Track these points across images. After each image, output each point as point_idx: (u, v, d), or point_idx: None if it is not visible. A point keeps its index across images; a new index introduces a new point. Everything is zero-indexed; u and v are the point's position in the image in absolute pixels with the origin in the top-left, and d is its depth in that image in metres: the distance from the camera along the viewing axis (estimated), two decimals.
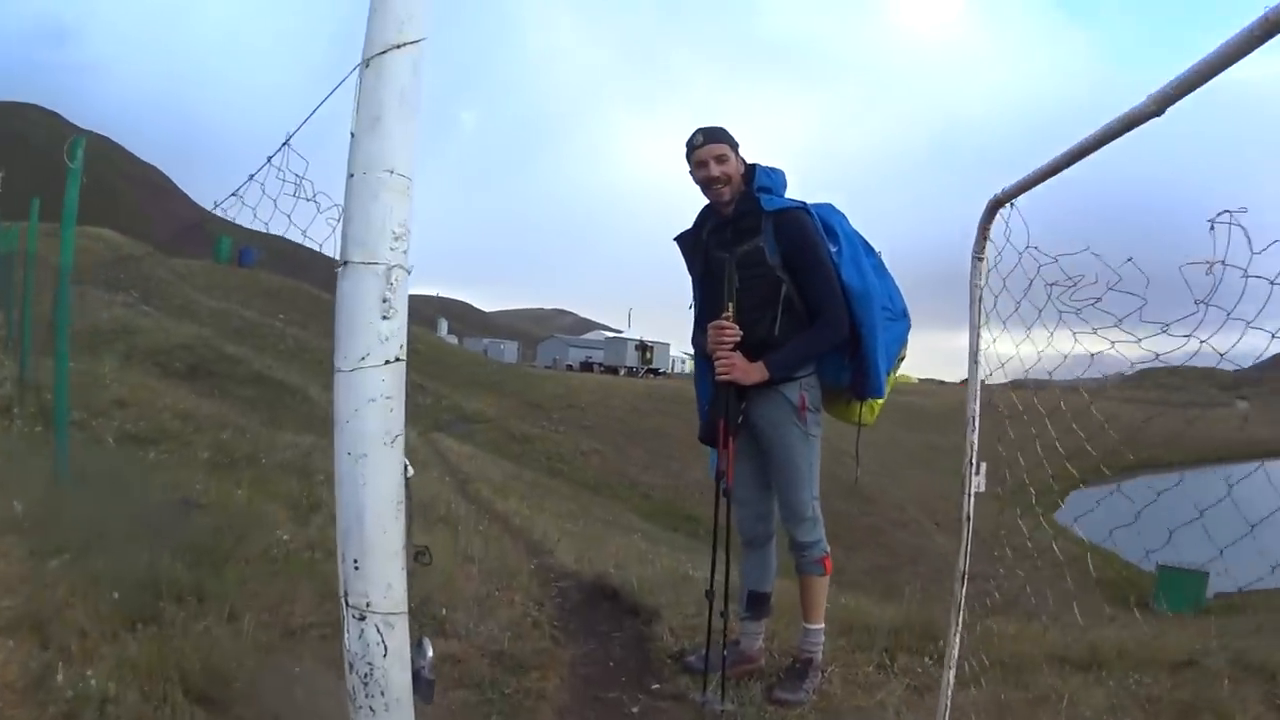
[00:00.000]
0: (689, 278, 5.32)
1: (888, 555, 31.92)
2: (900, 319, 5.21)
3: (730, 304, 4.79)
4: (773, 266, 4.85)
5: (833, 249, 4.98)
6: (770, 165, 5.12)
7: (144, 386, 13.96)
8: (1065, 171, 3.17)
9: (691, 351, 5.58)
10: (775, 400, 4.92)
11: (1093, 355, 3.69)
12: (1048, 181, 3.28)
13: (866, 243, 5.20)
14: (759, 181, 5.00)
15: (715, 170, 4.88)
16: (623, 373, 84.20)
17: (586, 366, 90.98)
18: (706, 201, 5.07)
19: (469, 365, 54.46)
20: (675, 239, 5.29)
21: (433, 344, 59.23)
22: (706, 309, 5.07)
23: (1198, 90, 2.38)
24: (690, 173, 5.01)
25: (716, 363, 4.81)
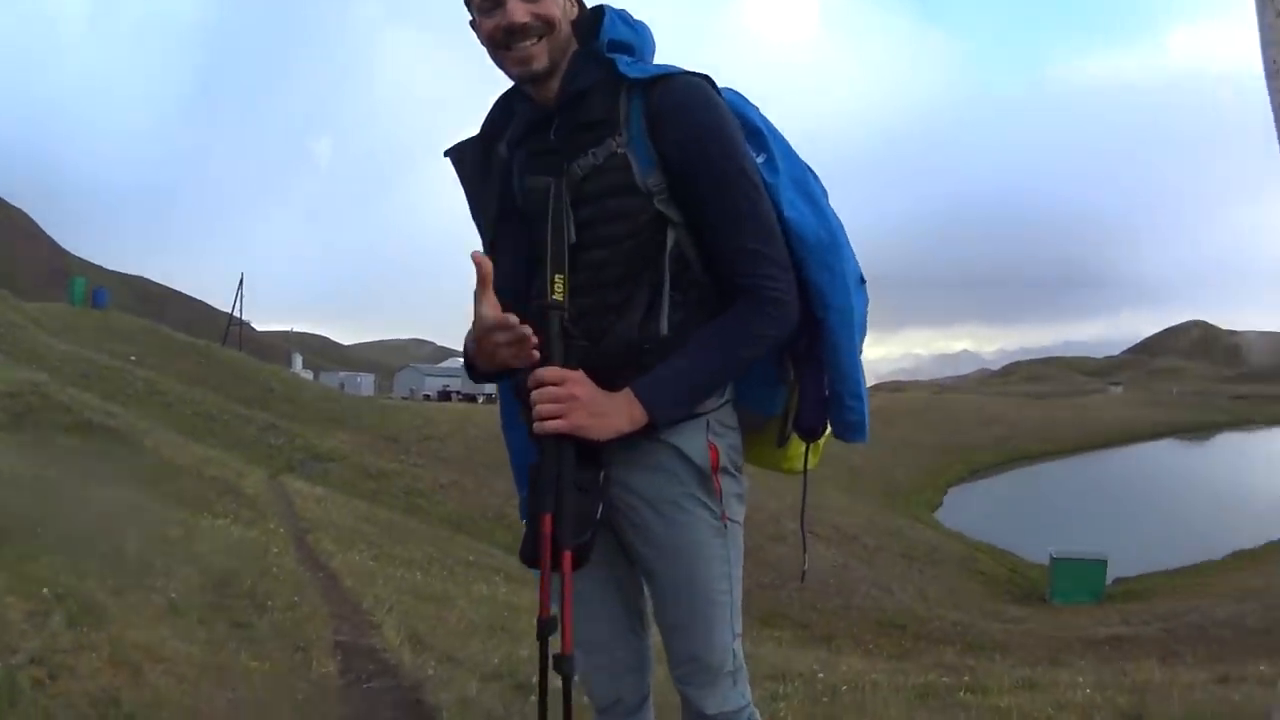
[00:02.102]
0: (475, 231, 2.88)
1: (770, 573, 30.87)
2: (860, 286, 2.81)
3: (559, 277, 2.55)
4: (648, 193, 2.55)
5: (758, 159, 2.67)
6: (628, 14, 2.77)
7: None
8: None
9: None
10: (660, 462, 2.64)
11: None
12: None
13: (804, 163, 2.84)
14: (610, 33, 2.65)
15: (520, 13, 2.50)
16: (481, 400, 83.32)
17: (445, 395, 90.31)
18: (508, 90, 2.80)
19: (323, 401, 52.64)
20: (447, 153, 2.87)
21: (286, 380, 57.49)
22: (512, 288, 2.64)
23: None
24: (473, 24, 2.62)
25: (533, 398, 2.49)
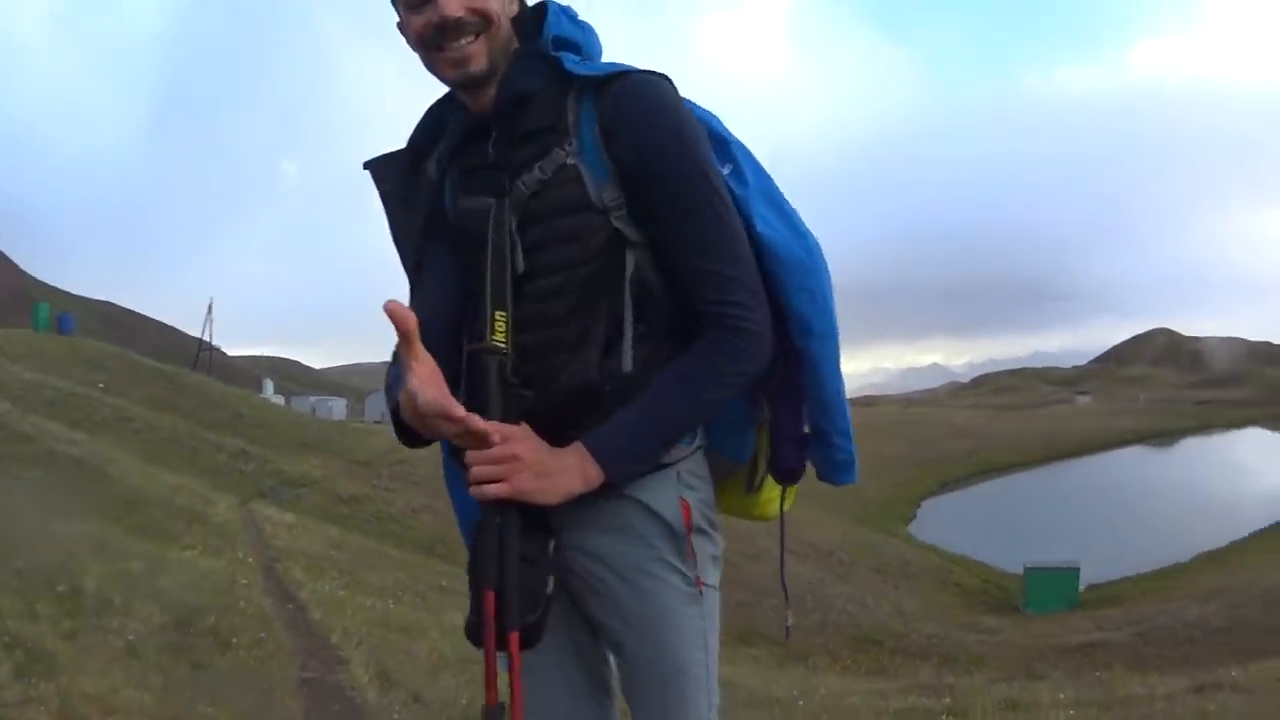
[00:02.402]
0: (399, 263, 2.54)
1: (746, 590, 30.59)
2: None
3: (499, 315, 2.23)
4: (604, 209, 2.24)
5: (723, 170, 2.34)
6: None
7: None
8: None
9: None
10: (626, 522, 2.30)
11: None
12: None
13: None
14: (555, 29, 2.31)
15: (453, 6, 2.18)
16: None
17: None
18: (441, 97, 2.47)
19: (295, 426, 51.96)
20: (366, 165, 2.50)
21: (257, 406, 56.83)
22: (442, 318, 2.35)
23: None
24: (400, 26, 2.31)
25: (469, 459, 2.14)
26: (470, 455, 2.12)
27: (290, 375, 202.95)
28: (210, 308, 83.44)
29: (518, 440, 2.13)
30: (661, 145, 2.20)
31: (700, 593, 2.34)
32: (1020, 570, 42.00)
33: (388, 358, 2.20)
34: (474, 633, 2.20)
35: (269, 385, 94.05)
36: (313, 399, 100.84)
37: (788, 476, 2.52)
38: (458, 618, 14.96)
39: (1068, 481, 78.69)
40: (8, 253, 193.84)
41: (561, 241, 2.22)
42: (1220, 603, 33.25)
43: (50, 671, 5.52)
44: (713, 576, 2.39)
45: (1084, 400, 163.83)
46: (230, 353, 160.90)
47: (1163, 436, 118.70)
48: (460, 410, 1.96)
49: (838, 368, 2.40)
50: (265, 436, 45.53)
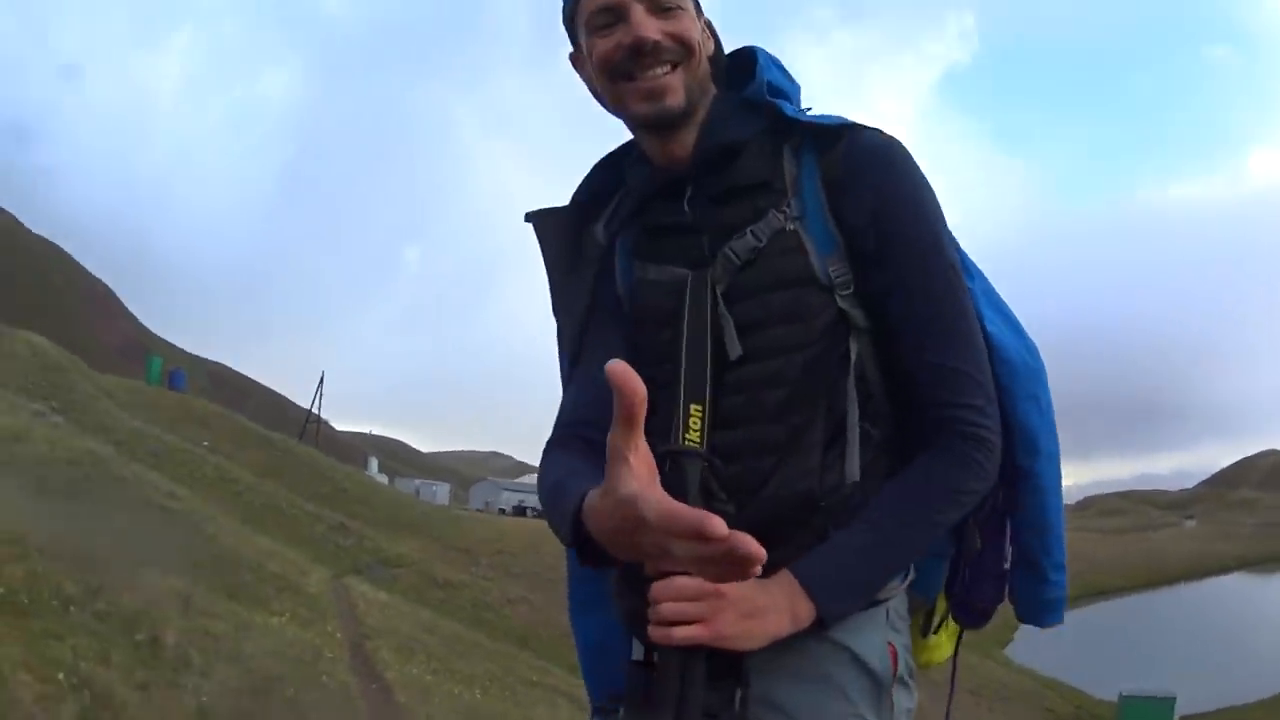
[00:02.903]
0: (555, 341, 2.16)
1: None
2: None
3: (695, 409, 1.79)
4: (829, 285, 1.84)
5: None
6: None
7: None
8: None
9: None
10: (826, 671, 1.84)
11: None
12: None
13: None
14: (766, 74, 1.92)
15: (650, 27, 1.78)
16: None
17: (520, 511, 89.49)
18: (611, 153, 2.12)
19: (397, 506, 52.27)
20: (530, 217, 2.07)
21: (360, 482, 57.29)
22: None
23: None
24: (573, 58, 2.00)
25: (656, 593, 1.65)
26: (660, 588, 1.64)
27: (395, 455, 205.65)
28: (321, 380, 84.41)
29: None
30: (901, 211, 1.85)
31: None
32: (1114, 697, 41.24)
33: (493, 447, 1.56)
34: None
35: (374, 463, 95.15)
36: (417, 481, 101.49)
37: (977, 618, 2.17)
38: (545, 714, 14.44)
39: (1168, 608, 78.23)
40: (128, 304, 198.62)
41: (776, 322, 1.83)
42: None
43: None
44: None
45: (1190, 525, 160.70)
46: (337, 427, 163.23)
47: (1267, 563, 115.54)
48: (721, 526, 1.22)
49: (1060, 492, 2.04)
50: (366, 513, 45.71)
